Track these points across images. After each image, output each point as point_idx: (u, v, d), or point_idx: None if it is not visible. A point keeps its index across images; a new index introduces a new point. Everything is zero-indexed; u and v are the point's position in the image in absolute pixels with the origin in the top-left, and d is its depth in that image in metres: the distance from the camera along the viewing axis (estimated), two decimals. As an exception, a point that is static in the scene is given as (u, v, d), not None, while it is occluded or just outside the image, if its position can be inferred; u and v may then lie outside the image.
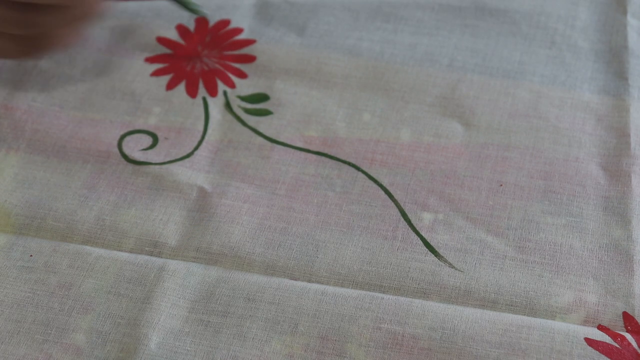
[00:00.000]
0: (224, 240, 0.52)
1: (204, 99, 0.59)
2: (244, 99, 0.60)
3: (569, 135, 0.57)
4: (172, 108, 0.59)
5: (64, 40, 0.58)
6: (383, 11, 0.65)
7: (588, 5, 0.65)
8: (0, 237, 0.52)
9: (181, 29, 0.63)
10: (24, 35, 0.56)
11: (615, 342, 0.47)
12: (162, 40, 0.63)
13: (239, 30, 0.63)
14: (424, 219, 0.53)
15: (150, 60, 0.62)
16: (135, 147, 0.56)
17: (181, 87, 0.60)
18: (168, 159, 0.56)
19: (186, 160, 0.56)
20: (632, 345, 0.47)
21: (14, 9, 0.55)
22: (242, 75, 0.61)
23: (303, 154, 0.56)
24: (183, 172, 0.55)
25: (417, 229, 0.52)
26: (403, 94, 0.60)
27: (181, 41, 0.63)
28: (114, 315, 0.48)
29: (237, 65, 0.61)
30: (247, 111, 0.59)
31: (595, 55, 0.62)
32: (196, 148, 0.57)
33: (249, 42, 0.63)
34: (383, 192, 0.54)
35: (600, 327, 0.48)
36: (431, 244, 0.51)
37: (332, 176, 0.55)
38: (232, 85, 0.60)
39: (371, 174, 0.55)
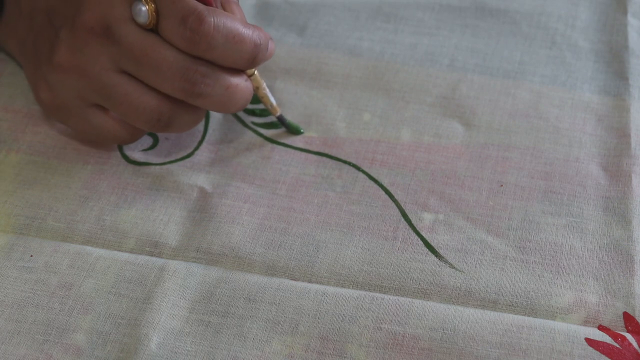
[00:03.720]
0: (225, 240, 0.52)
1: (205, 99, 0.59)
2: (244, 99, 0.59)
3: (569, 135, 0.57)
4: (173, 108, 0.59)
5: None
6: (383, 11, 0.65)
7: (588, 5, 0.65)
8: (1, 237, 0.52)
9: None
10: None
11: (615, 342, 0.47)
12: (162, 40, 0.62)
13: (239, 30, 0.63)
14: (425, 219, 0.53)
15: (151, 60, 0.61)
16: (135, 147, 0.56)
17: (181, 87, 0.60)
18: (168, 159, 0.56)
19: (187, 160, 0.56)
20: (633, 346, 0.47)
21: (165, 101, 0.51)
22: (242, 75, 0.61)
23: (303, 154, 0.56)
24: (183, 173, 0.55)
25: (418, 229, 0.52)
26: (403, 94, 0.60)
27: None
28: (114, 315, 0.48)
29: (237, 65, 0.61)
30: (248, 111, 0.59)
31: (595, 55, 0.62)
32: (196, 148, 0.57)
33: (249, 42, 0.62)
34: (383, 193, 0.54)
35: (601, 328, 0.48)
36: (432, 244, 0.51)
37: (333, 176, 0.55)
38: (232, 86, 0.60)
39: (371, 174, 0.55)
